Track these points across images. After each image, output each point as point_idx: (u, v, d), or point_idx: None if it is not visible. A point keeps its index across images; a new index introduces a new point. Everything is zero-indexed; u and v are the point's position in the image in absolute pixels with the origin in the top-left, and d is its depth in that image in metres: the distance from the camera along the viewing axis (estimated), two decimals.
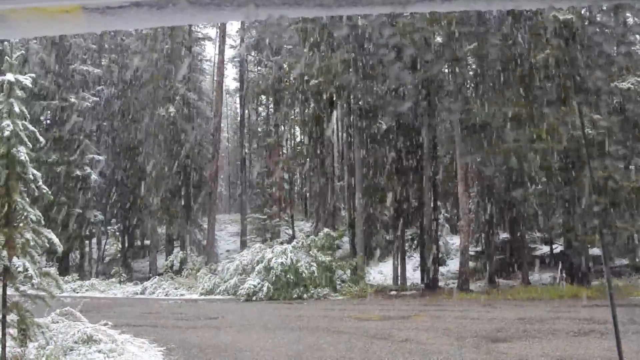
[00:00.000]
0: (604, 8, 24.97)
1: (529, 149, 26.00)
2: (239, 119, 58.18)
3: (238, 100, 59.06)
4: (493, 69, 27.50)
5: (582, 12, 24.67)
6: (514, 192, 28.48)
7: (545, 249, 32.03)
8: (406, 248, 33.04)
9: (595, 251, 27.13)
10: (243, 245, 42.47)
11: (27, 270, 10.24)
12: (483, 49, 26.59)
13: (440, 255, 32.15)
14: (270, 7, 1.00)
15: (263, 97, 50.59)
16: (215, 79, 51.77)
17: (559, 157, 26.02)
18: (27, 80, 11.09)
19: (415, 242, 34.28)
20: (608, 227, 23.60)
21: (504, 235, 32.45)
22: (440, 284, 29.79)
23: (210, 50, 56.80)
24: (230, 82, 60.18)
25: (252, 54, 51.49)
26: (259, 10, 1.00)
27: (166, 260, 39.64)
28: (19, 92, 10.90)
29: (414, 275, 32.44)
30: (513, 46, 26.16)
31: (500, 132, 27.16)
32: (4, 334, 10.29)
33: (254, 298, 26.71)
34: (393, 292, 28.59)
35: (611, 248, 25.73)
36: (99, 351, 12.53)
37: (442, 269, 31.82)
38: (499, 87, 27.22)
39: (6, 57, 11.46)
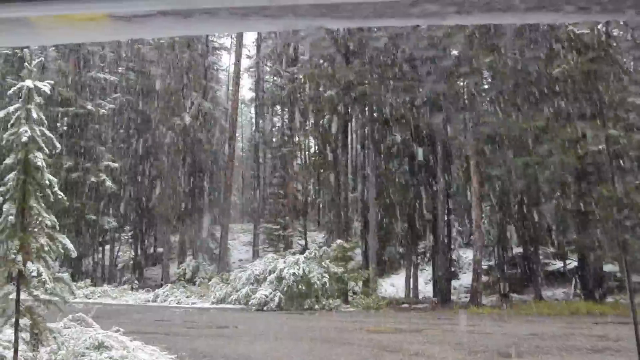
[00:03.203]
0: (621, 23, 24.86)
1: (543, 163, 25.90)
2: (253, 128, 58.33)
3: (253, 110, 59.20)
4: (509, 82, 27.42)
5: (599, 26, 24.60)
6: (528, 207, 28.37)
7: (559, 264, 31.80)
8: (418, 261, 32.92)
9: (610, 267, 26.93)
10: (255, 254, 42.49)
11: (40, 275, 10.28)
12: (500, 62, 26.54)
13: (452, 269, 32.01)
14: (307, 18, 1.01)
15: (278, 107, 50.68)
16: (230, 88, 51.97)
17: (573, 172, 25.88)
18: (45, 87, 11.16)
19: (428, 255, 34.14)
20: (624, 244, 23.42)
21: (517, 250, 32.26)
22: (453, 297, 29.64)
23: (226, 60, 57.09)
24: (246, 92, 60.35)
25: (268, 64, 51.61)
26: (297, 21, 1.01)
27: (178, 268, 39.71)
28: (38, 99, 10.98)
29: (426, 288, 32.29)
30: (530, 59, 26.09)
31: (515, 146, 27.07)
32: (16, 338, 10.33)
33: (265, 308, 26.68)
34: (405, 305, 28.47)
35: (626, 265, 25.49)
36: (110, 357, 12.53)
37: (454, 283, 31.64)
38: (515, 101, 27.12)
39: (25, 63, 11.56)
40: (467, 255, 33.98)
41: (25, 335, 10.53)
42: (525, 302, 27.45)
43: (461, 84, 29.53)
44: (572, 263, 30.41)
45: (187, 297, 32.08)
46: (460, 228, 39.46)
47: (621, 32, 26.87)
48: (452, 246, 33.20)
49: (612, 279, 26.90)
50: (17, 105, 10.89)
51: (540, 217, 29.44)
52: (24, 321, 10.44)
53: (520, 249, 31.93)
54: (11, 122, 10.83)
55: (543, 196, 29.09)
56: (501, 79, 27.87)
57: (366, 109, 33.03)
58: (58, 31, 1.06)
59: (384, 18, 1.06)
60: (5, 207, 10.42)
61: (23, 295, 10.45)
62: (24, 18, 1.03)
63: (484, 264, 30.08)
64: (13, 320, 10.34)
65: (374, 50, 31.41)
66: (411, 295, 31.09)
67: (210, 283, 33.18)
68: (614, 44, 26.22)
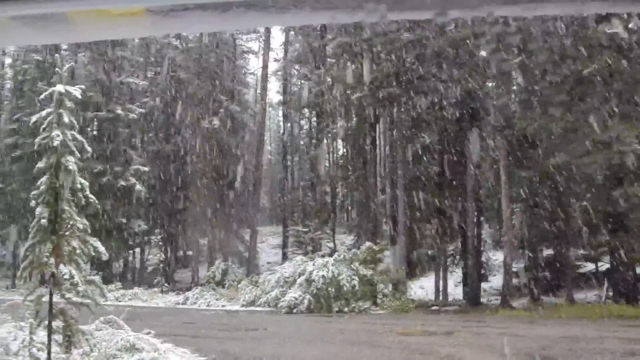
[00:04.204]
0: None
1: (574, 163, 25.60)
2: (281, 131, 58.48)
3: (281, 113, 59.37)
4: (539, 83, 27.15)
5: (631, 25, 24.26)
6: (559, 208, 28.06)
7: (591, 266, 31.37)
8: (448, 263, 32.70)
9: None
10: (284, 257, 42.57)
11: (72, 277, 10.37)
12: (529, 62, 26.29)
13: (482, 271, 31.77)
14: (346, 11, 0.99)
15: (306, 110, 50.75)
16: (258, 92, 52.18)
17: (605, 173, 25.55)
18: (76, 91, 11.28)
19: (458, 257, 33.91)
20: None
21: (548, 252, 31.91)
22: (483, 300, 29.41)
23: (254, 63, 57.31)
24: (274, 95, 60.56)
25: (296, 67, 51.71)
26: (335, 14, 0.99)
27: (208, 271, 39.89)
28: (69, 103, 11.09)
29: (455, 290, 32.07)
30: (559, 60, 25.81)
31: (545, 147, 26.81)
32: (49, 340, 10.44)
33: (294, 310, 26.69)
34: (435, 307, 28.32)
35: None
36: None
37: (484, 285, 31.39)
38: (545, 101, 26.84)
39: (56, 68, 11.68)
40: (497, 257, 33.69)
41: (58, 337, 10.63)
42: (556, 304, 27.12)
43: (490, 84, 29.31)
44: (604, 265, 30.01)
45: (217, 299, 32.22)
46: (490, 230, 39.16)
47: None
48: (482, 248, 32.93)
49: None
50: (48, 110, 11.01)
51: (571, 219, 29.09)
52: (57, 323, 10.55)
53: (551, 251, 31.58)
54: (43, 126, 10.95)
55: (574, 197, 28.75)
56: (531, 79, 27.60)
57: (394, 110, 32.92)
58: (95, 27, 1.06)
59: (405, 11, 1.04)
60: (38, 210, 10.54)
61: (56, 298, 10.56)
62: (60, 14, 1.02)
63: (514, 266, 29.79)
64: (46, 322, 10.45)
65: (401, 51, 31.29)
66: (441, 297, 30.90)
67: (239, 286, 33.29)
68: None
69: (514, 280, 29.35)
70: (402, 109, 31.85)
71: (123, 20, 1.03)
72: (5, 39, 1.11)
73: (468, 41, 26.83)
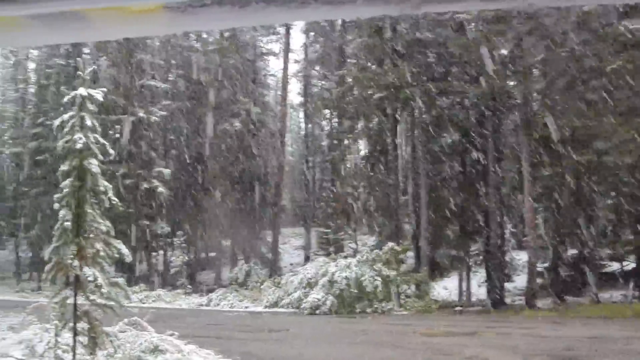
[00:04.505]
0: None
1: (599, 162, 25.38)
2: (303, 133, 58.55)
3: (302, 115, 59.44)
4: (562, 81, 26.93)
5: None
6: (583, 207, 27.83)
7: (616, 265, 31.07)
8: (471, 263, 32.53)
9: None
10: (307, 258, 42.60)
11: (96, 279, 10.44)
12: (552, 60, 26.08)
13: (506, 271, 31.56)
14: (366, 3, 0.97)
15: (327, 111, 50.73)
16: (279, 93, 52.26)
17: (630, 171, 25.29)
18: (98, 94, 11.36)
19: (481, 257, 33.71)
20: None
21: (572, 251, 31.63)
22: (507, 300, 29.21)
23: (274, 65, 57.47)
24: (294, 96, 60.61)
25: (316, 68, 51.72)
26: (357, 7, 0.97)
27: (231, 272, 40.04)
28: (91, 106, 11.17)
29: (479, 291, 31.89)
30: (582, 57, 25.59)
31: (569, 145, 26.59)
32: (74, 342, 10.51)
33: (317, 312, 26.68)
34: (458, 308, 28.17)
35: None
36: None
37: (508, 285, 31.18)
38: (569, 99, 26.62)
39: (79, 72, 11.77)
40: (521, 257, 33.47)
41: (83, 338, 10.70)
42: (581, 304, 26.87)
43: (512, 82, 29.11)
44: (630, 264, 29.71)
45: (240, 301, 32.29)
46: (513, 230, 38.90)
47: None
48: (505, 248, 32.72)
49: None
50: (71, 113, 11.09)
51: (596, 217, 28.85)
52: (82, 325, 10.62)
53: (576, 250, 31.31)
54: (66, 129, 11.03)
55: (598, 196, 28.49)
56: (554, 77, 27.39)
57: (415, 110, 32.82)
58: (112, 24, 1.05)
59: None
60: (62, 213, 10.62)
61: (80, 300, 10.63)
62: (77, 12, 1.02)
63: (539, 266, 29.55)
64: (71, 324, 10.53)
65: (422, 50, 31.21)
66: (464, 298, 30.76)
67: (262, 287, 33.36)
68: None
69: (538, 280, 29.11)
70: (424, 109, 31.73)
71: (140, 17, 1.02)
72: (23, 38, 1.11)
73: (489, 39, 26.63)
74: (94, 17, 1.04)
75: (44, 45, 38.61)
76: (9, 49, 59.71)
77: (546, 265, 31.11)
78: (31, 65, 56.53)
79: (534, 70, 27.33)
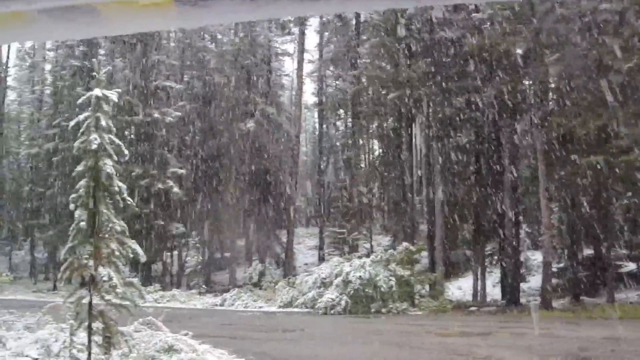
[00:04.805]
0: None
1: (614, 161, 25.20)
2: (317, 133, 58.56)
3: (316, 115, 59.45)
4: (577, 79, 26.76)
5: None
6: (599, 207, 27.64)
7: (632, 265, 30.87)
8: (486, 263, 32.40)
9: None
10: (321, 258, 42.58)
11: (111, 279, 10.48)
12: (567, 59, 25.92)
13: (521, 271, 31.40)
14: None
15: (341, 111, 50.72)
16: (294, 93, 52.31)
17: None
18: (113, 95, 11.40)
19: (496, 257, 33.59)
20: None
21: (588, 252, 31.44)
22: (522, 300, 29.06)
23: (289, 65, 57.46)
24: (309, 96, 60.66)
25: (330, 68, 51.70)
26: (370, 2, 0.96)
27: (245, 272, 40.10)
28: (106, 107, 11.21)
29: (493, 291, 31.78)
30: (598, 55, 25.41)
31: (584, 144, 26.43)
32: (89, 341, 10.56)
33: (331, 311, 26.67)
34: (473, 308, 28.08)
35: None
36: None
37: (523, 286, 31.02)
38: (584, 98, 26.44)
39: (93, 73, 11.82)
40: (536, 257, 33.30)
41: (97, 338, 10.74)
42: (597, 305, 26.69)
43: (527, 82, 28.97)
44: None
45: (254, 301, 32.32)
46: (528, 229, 38.71)
47: None
48: (520, 248, 32.55)
49: None
50: (86, 114, 11.13)
51: (612, 217, 28.65)
52: (97, 324, 10.66)
53: (591, 251, 31.12)
54: (81, 130, 11.08)
55: (614, 195, 28.30)
56: (569, 76, 27.23)
57: (430, 110, 32.77)
58: (122, 19, 1.04)
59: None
60: (77, 213, 10.66)
61: (95, 300, 10.67)
62: (87, 6, 1.01)
63: (554, 266, 29.39)
64: (86, 323, 10.57)
65: (436, 49, 31.14)
66: (479, 298, 30.64)
67: (276, 287, 33.39)
68: None
69: (554, 280, 28.95)
70: (438, 108, 31.66)
71: (150, 11, 1.01)
72: (33, 32, 1.11)
73: (504, 38, 26.50)
74: (104, 11, 1.04)
75: (55, 40, 38.77)
76: (25, 51, 60.21)
77: (561, 265, 30.96)
78: (47, 67, 56.89)
79: (549, 68, 27.12)
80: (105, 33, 1.12)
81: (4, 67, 56.65)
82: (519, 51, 27.02)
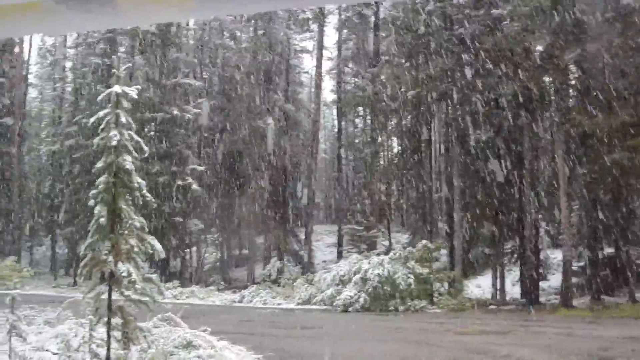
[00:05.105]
0: None
1: (635, 159, 24.95)
2: (336, 130, 58.48)
3: (335, 112, 59.37)
4: (598, 77, 26.52)
5: None
6: (619, 205, 27.37)
7: None
8: (505, 262, 32.20)
9: None
10: (339, 256, 42.53)
11: (131, 275, 10.53)
12: (586, 56, 25.70)
13: (540, 270, 31.18)
14: None
15: (360, 108, 50.64)
16: (312, 90, 52.27)
17: None
18: (132, 91, 11.44)
19: (515, 255, 33.37)
20: None
21: (608, 250, 31.15)
22: (541, 299, 28.87)
23: (307, 62, 57.42)
24: (328, 94, 60.58)
25: (349, 65, 51.60)
26: None
27: (264, 269, 40.16)
28: (125, 103, 11.26)
29: (513, 289, 31.57)
30: (617, 52, 25.16)
31: (604, 142, 26.19)
32: (109, 336, 10.62)
33: (350, 309, 26.64)
34: (492, 307, 27.94)
35: None
36: (198, 356, 12.74)
37: (542, 284, 30.80)
38: (604, 96, 26.19)
39: (113, 70, 11.88)
40: (556, 255, 33.04)
41: (117, 333, 10.80)
42: (618, 304, 26.47)
43: (547, 79, 28.73)
44: None
45: (273, 297, 32.35)
46: (548, 228, 38.42)
47: None
48: (540, 246, 32.30)
49: None
50: (106, 110, 11.19)
51: (633, 216, 28.36)
52: (116, 320, 10.72)
53: (612, 249, 30.84)
54: (101, 126, 11.14)
55: (635, 194, 28.01)
56: (588, 73, 27.00)
57: (449, 107, 32.61)
58: (139, 10, 1.03)
59: None
60: (97, 209, 10.72)
61: (115, 295, 10.73)
62: None
63: (574, 265, 29.16)
64: (106, 319, 10.64)
65: (455, 46, 30.98)
66: (498, 296, 30.47)
67: (295, 284, 33.41)
68: None
69: (574, 279, 28.72)
70: (457, 106, 31.50)
71: (167, 1, 1.00)
72: (50, 24, 1.10)
73: (524, 35, 26.32)
74: (122, 2, 1.02)
75: (71, 31, 38.97)
76: (46, 49, 60.64)
77: (582, 264, 30.69)
78: (68, 65, 57.27)
79: (570, 66, 26.90)
80: (123, 25, 1.12)
81: (26, 64, 57.03)
82: (539, 47, 26.82)
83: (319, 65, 47.16)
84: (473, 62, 30.24)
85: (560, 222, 29.28)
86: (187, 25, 48.55)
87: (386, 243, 41.77)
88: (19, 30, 1.37)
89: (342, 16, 49.40)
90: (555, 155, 28.21)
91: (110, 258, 10.68)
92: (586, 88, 27.40)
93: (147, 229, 11.27)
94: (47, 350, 13.55)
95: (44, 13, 1.01)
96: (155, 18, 1.00)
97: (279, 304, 31.11)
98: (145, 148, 11.92)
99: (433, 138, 34.69)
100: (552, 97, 28.18)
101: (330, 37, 65.37)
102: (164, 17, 1.02)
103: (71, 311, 13.66)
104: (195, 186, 39.55)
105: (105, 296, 10.62)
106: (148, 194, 11.26)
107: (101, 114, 11.28)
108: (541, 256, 31.92)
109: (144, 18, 1.00)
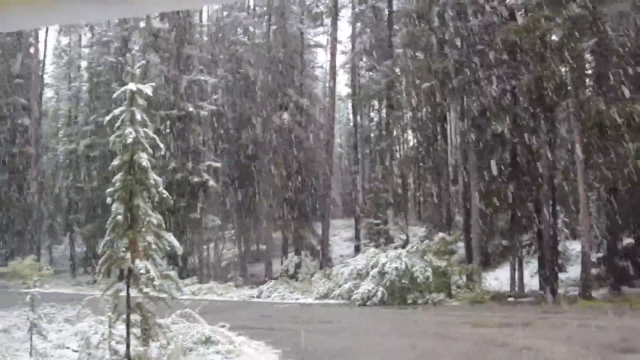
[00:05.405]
0: None
1: None
2: (351, 124, 58.45)
3: (350, 106, 59.31)
4: (615, 66, 26.28)
5: None
6: (639, 195, 27.16)
7: None
8: (523, 253, 32.03)
9: None
10: (357, 250, 42.53)
11: (149, 272, 10.57)
12: (603, 45, 25.47)
13: (559, 261, 31.00)
14: None
15: (375, 102, 50.52)
16: (327, 85, 52.24)
17: None
18: (147, 89, 11.47)
19: (533, 247, 33.19)
20: None
21: (627, 241, 30.93)
22: (560, 290, 28.71)
23: (322, 57, 57.42)
24: (342, 88, 60.53)
25: (363, 59, 51.48)
26: None
27: (281, 264, 40.23)
28: (141, 101, 11.28)
29: (531, 281, 31.40)
30: (635, 40, 24.93)
31: (623, 132, 25.96)
32: (128, 333, 10.67)
33: (368, 303, 26.61)
34: (510, 299, 27.81)
35: None
36: (217, 352, 12.80)
37: (561, 276, 30.60)
38: (622, 85, 25.95)
39: (128, 67, 11.91)
40: (574, 247, 32.84)
41: (136, 330, 10.86)
42: (638, 295, 26.27)
43: (564, 69, 28.50)
44: None
45: (291, 292, 32.37)
46: (566, 219, 38.16)
47: None
48: (558, 238, 32.10)
49: None
50: (121, 108, 11.23)
51: None
52: (135, 317, 10.77)
53: (631, 240, 30.62)
54: (117, 124, 11.18)
55: None
56: (606, 62, 26.76)
57: (465, 99, 32.44)
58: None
59: None
60: (114, 207, 10.77)
61: (133, 292, 10.78)
62: None
63: (593, 256, 28.96)
64: (125, 316, 10.69)
65: (470, 37, 30.82)
66: (516, 288, 30.33)
67: (312, 279, 33.41)
68: None
69: (593, 270, 28.53)
70: (473, 98, 31.34)
71: None
72: (64, 14, 1.09)
73: (538, 24, 26.11)
74: None
75: (87, 21, 39.11)
76: (62, 48, 60.97)
77: (601, 255, 30.50)
78: (83, 64, 57.55)
79: (586, 55, 26.68)
80: (135, 14, 1.11)
81: (42, 64, 57.37)
82: (555, 37, 26.62)
83: (333, 59, 47.08)
84: (488, 53, 30.07)
85: (579, 213, 29.08)
86: (201, 22, 48.67)
87: (403, 236, 41.68)
88: (30, 22, 1.36)
89: (356, 9, 49.31)
90: (575, 145, 27.97)
91: (128, 255, 10.74)
92: (604, 76, 27.18)
93: (164, 226, 11.31)
94: (67, 348, 13.66)
95: (55, 4, 1.00)
96: (168, 7, 0.98)
97: (296, 299, 31.13)
98: (161, 145, 11.96)
99: (449, 130, 34.56)
100: (569, 87, 27.94)
101: (344, 31, 65.30)
102: (175, 5, 1.00)
103: (90, 309, 13.76)
104: (212, 182, 39.66)
105: (123, 293, 10.67)
106: (164, 191, 11.30)
107: (116, 111, 11.32)
108: (559, 247, 31.74)
109: (155, 6, 0.99)
